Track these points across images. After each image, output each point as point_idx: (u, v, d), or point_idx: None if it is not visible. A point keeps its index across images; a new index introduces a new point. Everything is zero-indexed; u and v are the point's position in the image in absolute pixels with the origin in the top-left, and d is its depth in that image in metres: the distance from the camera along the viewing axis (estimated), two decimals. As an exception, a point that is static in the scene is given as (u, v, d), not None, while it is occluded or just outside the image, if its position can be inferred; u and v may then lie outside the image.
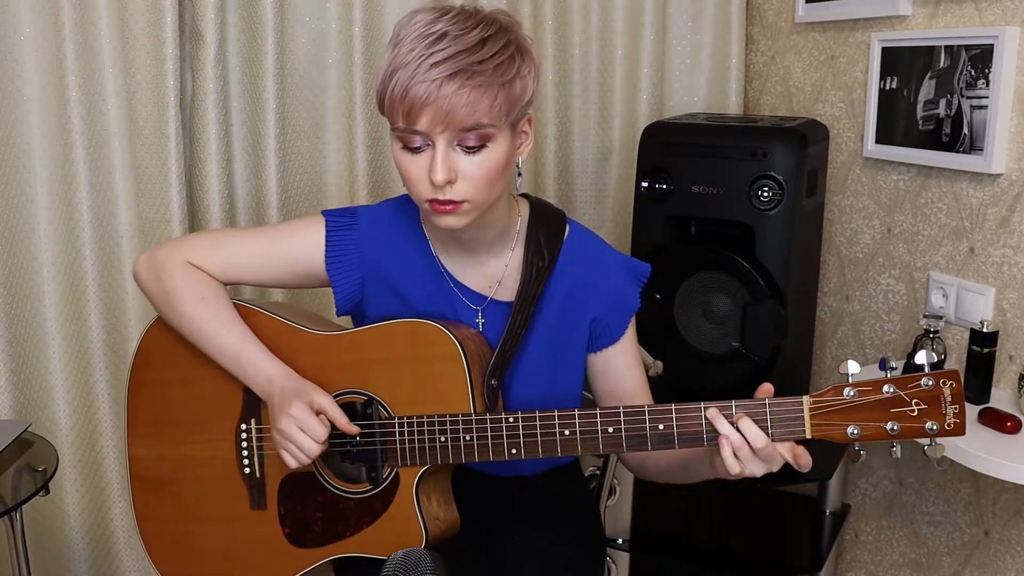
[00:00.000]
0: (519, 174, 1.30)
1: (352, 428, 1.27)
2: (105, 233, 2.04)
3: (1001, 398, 1.79)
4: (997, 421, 1.65)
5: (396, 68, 1.15)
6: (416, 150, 1.18)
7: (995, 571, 1.91)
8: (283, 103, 2.13)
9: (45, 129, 1.95)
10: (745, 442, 1.15)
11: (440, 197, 1.19)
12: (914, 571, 2.12)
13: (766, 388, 1.19)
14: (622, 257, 1.40)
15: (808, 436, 1.15)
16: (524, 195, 1.40)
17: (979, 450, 1.57)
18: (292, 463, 1.27)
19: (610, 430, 1.20)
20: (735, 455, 1.15)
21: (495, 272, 1.36)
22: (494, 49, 1.15)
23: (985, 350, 1.77)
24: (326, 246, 1.36)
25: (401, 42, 1.16)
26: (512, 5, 2.34)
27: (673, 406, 1.18)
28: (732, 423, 1.16)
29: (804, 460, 1.18)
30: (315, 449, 1.25)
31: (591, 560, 1.46)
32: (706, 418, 1.17)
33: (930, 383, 1.11)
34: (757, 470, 1.16)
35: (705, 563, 2.10)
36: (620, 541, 2.10)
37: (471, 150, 1.17)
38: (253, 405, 1.36)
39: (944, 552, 2.03)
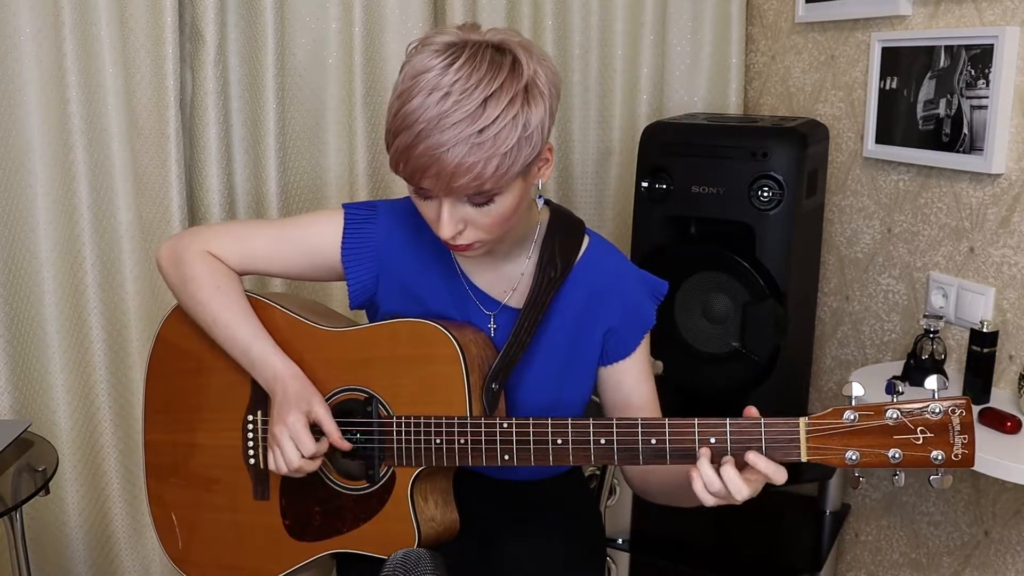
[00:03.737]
0: (539, 195, 1.30)
1: (343, 444, 1.27)
2: (105, 233, 2.04)
3: (1001, 398, 1.79)
4: (997, 421, 1.65)
5: (399, 128, 1.13)
6: (427, 197, 1.19)
7: (995, 571, 1.91)
8: (283, 103, 2.14)
9: (45, 129, 1.95)
10: (719, 481, 1.12)
11: (451, 242, 1.21)
12: (914, 571, 2.12)
13: (751, 411, 1.15)
14: (640, 272, 1.40)
15: (804, 459, 1.11)
16: (546, 201, 1.39)
17: (979, 450, 1.55)
18: (273, 468, 1.28)
19: (602, 441, 1.19)
20: (707, 491, 1.13)
21: (511, 277, 1.36)
22: (495, 113, 1.10)
23: (985, 350, 1.77)
24: (343, 238, 1.36)
25: (406, 92, 1.13)
26: (512, 5, 2.34)
27: (667, 420, 1.17)
28: (716, 467, 1.13)
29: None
30: (297, 462, 1.25)
31: (591, 560, 1.46)
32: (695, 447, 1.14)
33: (938, 410, 1.06)
34: (737, 500, 1.13)
35: (705, 563, 2.09)
36: (620, 541, 2.10)
37: (478, 204, 1.17)
38: (260, 397, 1.37)
39: (944, 552, 2.03)
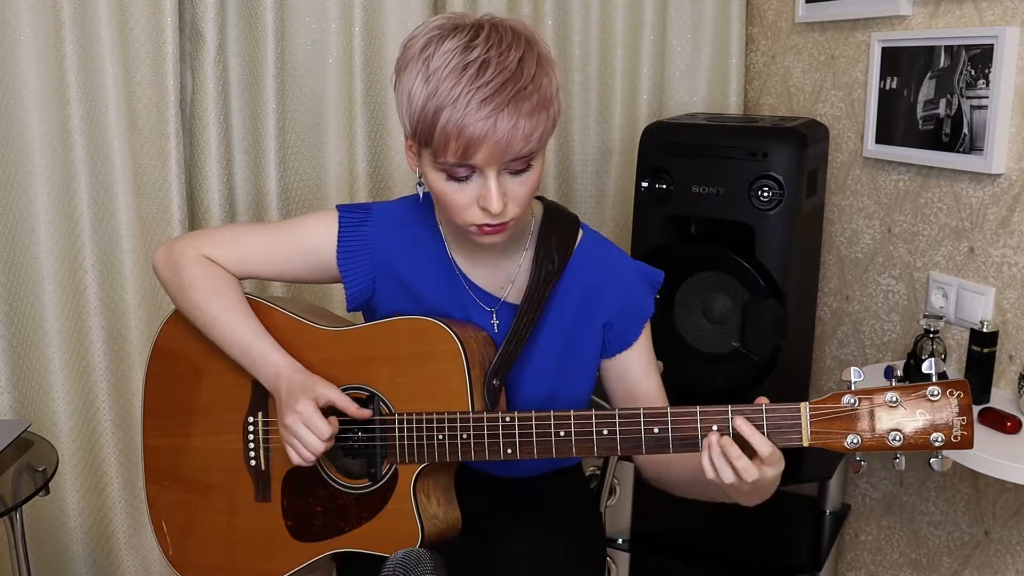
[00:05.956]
0: None
1: (363, 412, 1.28)
2: (105, 233, 2.04)
3: (1001, 398, 1.79)
4: (997, 421, 1.65)
5: (441, 105, 1.12)
6: (463, 179, 1.18)
7: (995, 571, 1.91)
8: (283, 103, 2.13)
9: (45, 129, 1.95)
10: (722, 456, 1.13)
11: (492, 222, 1.20)
12: (914, 571, 2.12)
13: (761, 401, 1.16)
14: (635, 263, 1.41)
15: (806, 444, 1.12)
16: (538, 197, 1.40)
17: (979, 450, 1.57)
18: (296, 459, 1.28)
19: (605, 432, 1.19)
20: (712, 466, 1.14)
21: (508, 272, 1.36)
22: (532, 69, 1.14)
23: (985, 350, 1.77)
24: (338, 241, 1.36)
25: (436, 74, 1.13)
26: (512, 5, 2.34)
27: (669, 409, 1.17)
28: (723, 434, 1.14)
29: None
30: (320, 447, 1.25)
31: (591, 560, 1.46)
32: (701, 427, 1.15)
33: (936, 393, 1.08)
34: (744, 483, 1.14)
35: (705, 563, 2.09)
36: (620, 541, 2.10)
37: (518, 171, 1.18)
38: (261, 398, 1.37)
39: (944, 552, 2.03)
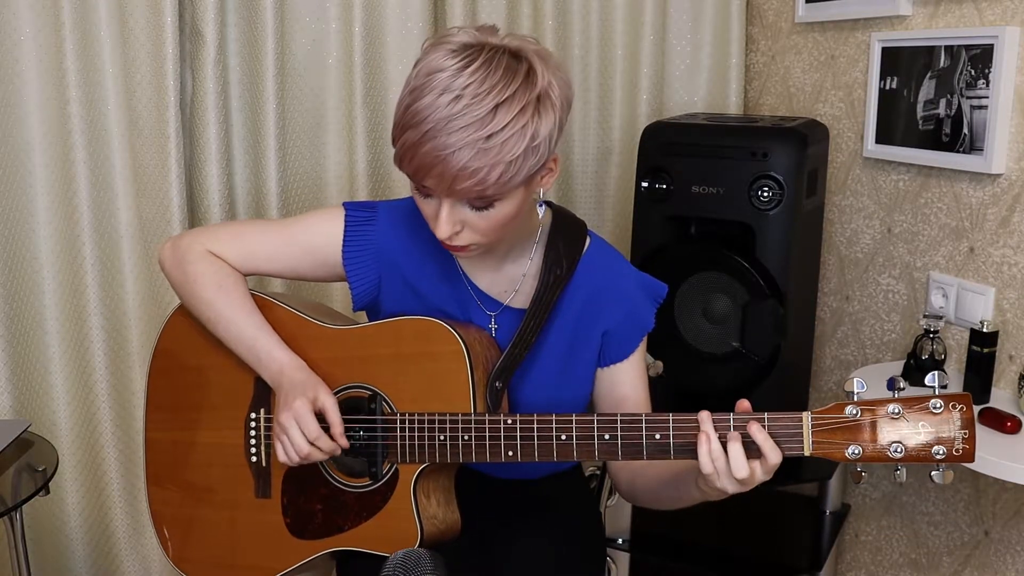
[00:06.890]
0: (540, 203, 1.30)
1: (342, 441, 1.27)
2: (105, 233, 2.04)
3: (1001, 398, 1.79)
4: (997, 421, 1.65)
5: (409, 122, 1.12)
6: (427, 195, 1.18)
7: (995, 571, 1.91)
8: (283, 103, 2.14)
9: (45, 129, 1.95)
10: (723, 455, 1.12)
11: (447, 242, 1.20)
12: (914, 571, 2.12)
13: (744, 405, 1.16)
14: (640, 274, 1.40)
15: (807, 453, 1.12)
16: (547, 203, 1.39)
17: (979, 450, 1.55)
18: (282, 457, 1.27)
19: (606, 437, 1.19)
20: (710, 458, 1.13)
21: (513, 278, 1.36)
22: (505, 120, 1.10)
23: (985, 350, 1.77)
24: (344, 240, 1.36)
25: (418, 89, 1.12)
26: (512, 5, 2.34)
27: (671, 415, 1.17)
28: (721, 439, 1.13)
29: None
30: (305, 448, 1.25)
31: (591, 560, 1.46)
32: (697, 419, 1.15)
33: (939, 406, 1.08)
34: (729, 486, 1.14)
35: (705, 563, 2.09)
36: (620, 541, 2.10)
37: (479, 208, 1.17)
38: (263, 395, 1.37)
39: (944, 552, 2.03)
